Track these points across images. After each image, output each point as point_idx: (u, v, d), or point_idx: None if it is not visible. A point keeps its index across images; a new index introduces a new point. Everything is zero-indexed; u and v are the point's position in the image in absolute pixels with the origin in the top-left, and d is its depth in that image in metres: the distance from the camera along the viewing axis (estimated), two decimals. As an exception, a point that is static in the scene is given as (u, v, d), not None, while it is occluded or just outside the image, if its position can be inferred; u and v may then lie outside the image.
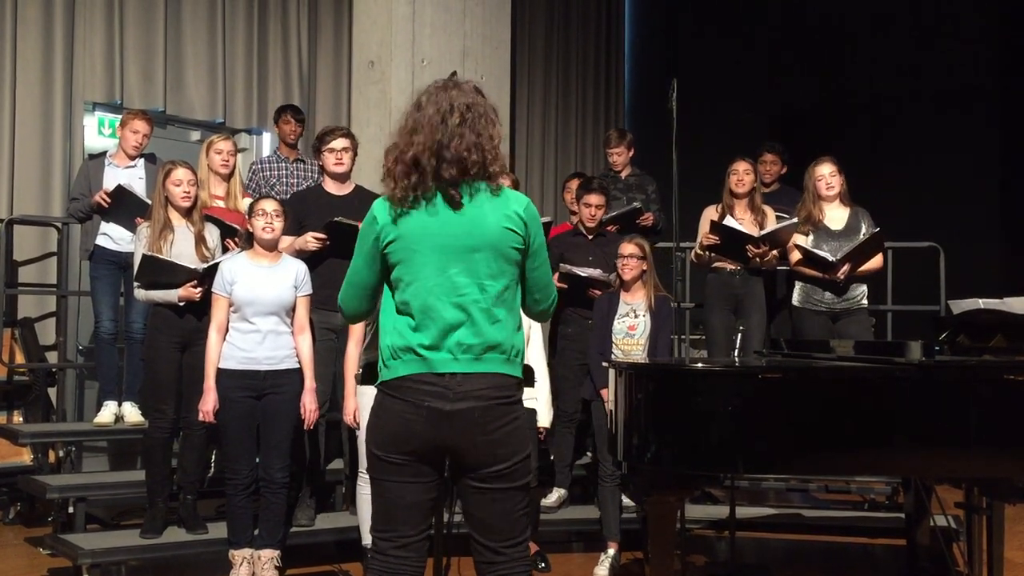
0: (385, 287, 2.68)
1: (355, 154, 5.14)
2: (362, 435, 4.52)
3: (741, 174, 5.55)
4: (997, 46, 9.06)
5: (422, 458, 2.57)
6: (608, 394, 3.67)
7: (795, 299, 5.47)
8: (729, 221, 5.42)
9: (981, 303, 4.04)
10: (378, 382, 2.62)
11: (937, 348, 3.67)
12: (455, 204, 2.56)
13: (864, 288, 5.44)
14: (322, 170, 5.19)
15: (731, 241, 5.42)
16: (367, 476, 4.42)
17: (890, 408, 3.23)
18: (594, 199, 5.36)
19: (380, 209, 2.63)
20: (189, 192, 4.68)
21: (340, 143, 5.00)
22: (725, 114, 9.28)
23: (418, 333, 2.55)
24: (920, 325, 5.88)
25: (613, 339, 4.81)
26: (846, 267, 5.21)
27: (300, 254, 4.80)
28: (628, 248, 4.83)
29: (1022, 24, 8.77)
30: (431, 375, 2.53)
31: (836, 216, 5.43)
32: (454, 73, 4.93)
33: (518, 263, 2.63)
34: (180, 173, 4.67)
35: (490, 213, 2.58)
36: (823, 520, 5.52)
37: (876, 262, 5.39)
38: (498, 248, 2.58)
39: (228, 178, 5.34)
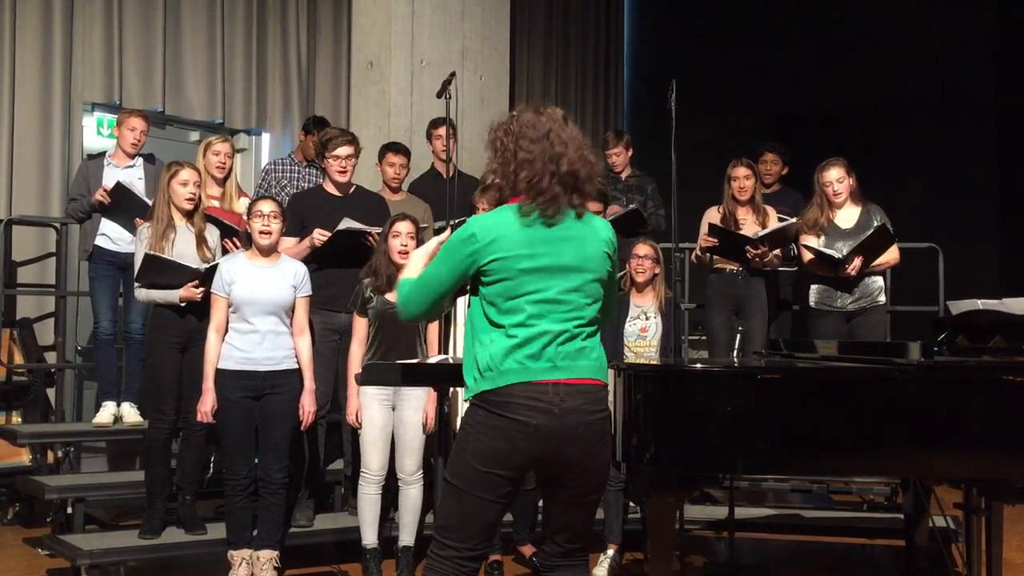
0: (475, 301, 2.74)
1: (357, 160, 5.16)
2: (364, 435, 4.55)
3: (742, 180, 5.52)
4: (996, 47, 9.07)
5: (522, 473, 2.67)
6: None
7: (811, 300, 5.44)
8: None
9: (980, 304, 4.04)
10: (474, 395, 2.67)
11: (936, 349, 3.68)
12: (577, 216, 2.71)
13: (881, 283, 5.41)
14: (322, 172, 5.20)
15: (730, 243, 5.42)
16: (369, 477, 4.49)
17: (889, 409, 3.23)
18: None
19: (480, 227, 2.68)
20: (194, 194, 4.68)
21: (345, 150, 5.01)
22: (725, 115, 9.28)
23: (521, 345, 2.63)
24: (919, 326, 5.88)
25: (625, 341, 4.82)
26: (856, 262, 5.19)
27: (305, 256, 4.83)
28: (644, 249, 4.83)
29: (1021, 26, 8.78)
30: (533, 387, 2.60)
31: (847, 215, 5.40)
32: (453, 74, 4.95)
33: (605, 284, 2.77)
34: (186, 174, 4.67)
35: (592, 237, 2.73)
36: (822, 521, 5.52)
37: (891, 256, 5.36)
38: (597, 272, 2.72)
39: (224, 180, 5.34)
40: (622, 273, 5.01)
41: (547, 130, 2.69)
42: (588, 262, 2.70)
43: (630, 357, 4.72)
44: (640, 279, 4.81)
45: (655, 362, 4.54)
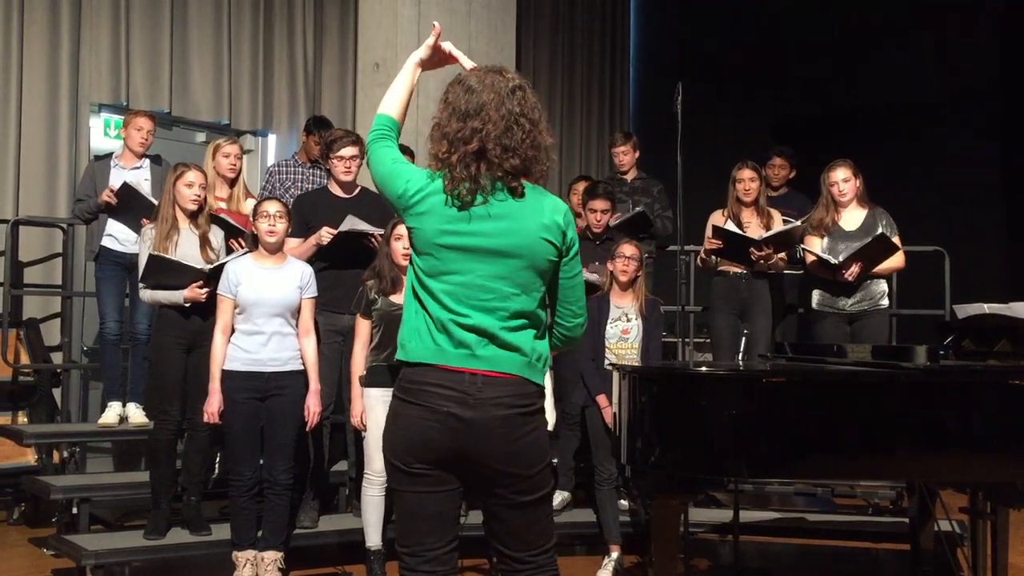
0: (410, 271, 2.54)
1: (362, 160, 5.16)
2: (369, 437, 4.55)
3: (747, 183, 5.53)
4: (1001, 50, 9.05)
5: (443, 467, 2.44)
6: (612, 397, 3.66)
7: (813, 302, 5.46)
8: (729, 225, 5.43)
9: (986, 307, 4.03)
10: (397, 359, 2.50)
11: (942, 352, 3.67)
12: (517, 195, 2.44)
13: (884, 287, 5.40)
14: (327, 173, 5.22)
15: (734, 245, 5.42)
16: (373, 478, 4.49)
17: (895, 412, 3.22)
18: (599, 204, 5.41)
19: (415, 187, 2.47)
20: (199, 195, 4.70)
21: (349, 151, 5.03)
22: (730, 118, 9.27)
23: (438, 330, 2.44)
24: (925, 329, 5.88)
25: (606, 344, 4.80)
26: (854, 268, 5.20)
27: (310, 257, 4.83)
28: (629, 249, 4.82)
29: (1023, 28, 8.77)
30: (447, 373, 2.40)
31: (852, 217, 5.41)
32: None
33: (546, 275, 2.51)
34: (192, 176, 4.69)
35: (530, 219, 2.45)
36: (827, 524, 5.50)
37: (897, 262, 5.36)
38: (531, 258, 2.45)
39: (233, 182, 5.35)
40: (601, 280, 4.97)
41: (479, 104, 2.44)
42: (520, 248, 2.43)
43: (612, 359, 4.71)
44: (624, 279, 4.80)
45: (636, 364, 4.53)
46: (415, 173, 2.52)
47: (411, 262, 2.54)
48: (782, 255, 5.54)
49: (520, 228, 2.44)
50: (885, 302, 5.42)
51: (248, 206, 5.31)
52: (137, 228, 5.19)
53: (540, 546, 2.50)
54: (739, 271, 5.57)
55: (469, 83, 2.51)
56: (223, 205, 5.27)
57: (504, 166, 2.43)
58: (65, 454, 5.66)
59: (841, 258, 5.20)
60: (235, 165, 5.32)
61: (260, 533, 4.47)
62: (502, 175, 2.44)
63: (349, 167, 5.04)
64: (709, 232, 5.55)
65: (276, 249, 4.48)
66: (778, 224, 5.57)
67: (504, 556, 2.51)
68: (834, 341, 5.18)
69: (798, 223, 5.48)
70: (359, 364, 4.55)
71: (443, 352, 2.43)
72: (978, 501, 3.70)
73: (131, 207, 5.24)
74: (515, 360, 2.45)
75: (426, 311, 2.47)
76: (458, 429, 2.39)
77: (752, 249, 5.36)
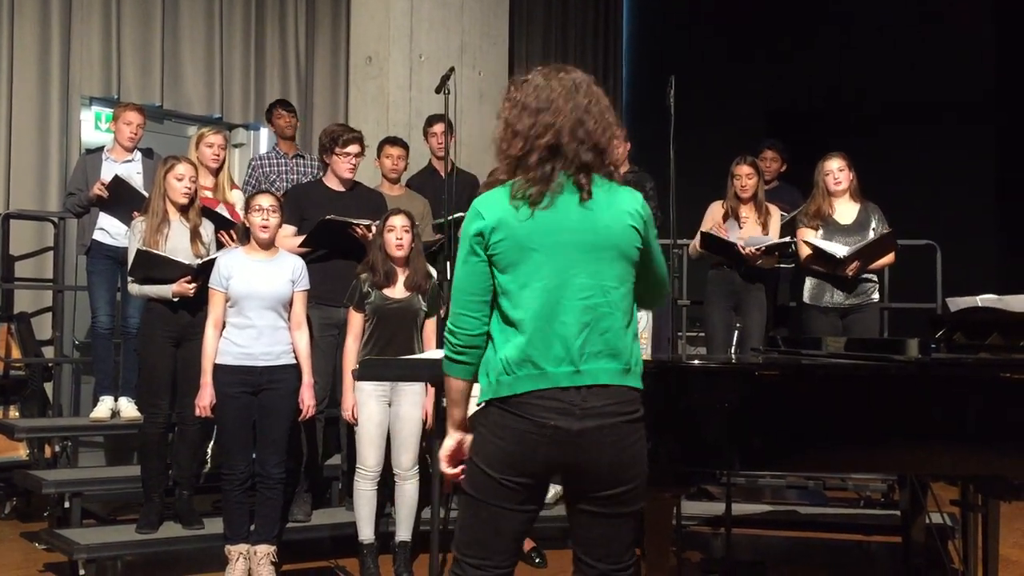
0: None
1: (363, 157, 5.18)
2: (361, 431, 4.55)
3: (744, 179, 5.55)
4: (995, 44, 9.07)
5: (539, 481, 2.39)
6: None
7: (805, 295, 5.46)
8: (713, 229, 5.46)
9: (979, 301, 4.05)
10: (488, 398, 2.39)
11: (933, 346, 3.68)
12: (585, 193, 2.36)
13: (876, 280, 5.44)
14: (324, 166, 5.19)
15: (722, 248, 5.45)
16: (365, 472, 4.49)
17: (886, 405, 3.22)
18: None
19: (484, 205, 2.40)
20: (190, 188, 4.68)
21: (355, 148, 5.04)
22: (723, 111, 9.27)
23: (535, 342, 2.35)
24: (917, 323, 5.89)
25: None
26: (855, 264, 5.22)
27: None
28: None
29: (1019, 23, 8.78)
30: (553, 391, 2.34)
31: (846, 211, 5.43)
32: (451, 69, 4.94)
33: (636, 264, 2.44)
34: (182, 168, 4.67)
35: (614, 209, 2.39)
36: (819, 517, 5.52)
37: (888, 258, 5.40)
38: (621, 248, 2.39)
39: (217, 171, 5.34)
40: None
41: (548, 99, 2.38)
42: (609, 236, 2.37)
43: None
44: None
45: (647, 356, 4.53)
46: (473, 203, 2.43)
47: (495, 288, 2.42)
48: (776, 253, 5.56)
49: (604, 218, 2.38)
50: (876, 295, 5.45)
51: (233, 196, 5.31)
52: (129, 222, 5.18)
53: (624, 560, 2.48)
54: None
55: (536, 82, 2.44)
56: (209, 194, 5.25)
57: (577, 161, 2.37)
58: (57, 448, 5.64)
59: (848, 252, 5.20)
60: (219, 155, 5.30)
61: (253, 527, 4.47)
62: (574, 172, 2.37)
63: (354, 164, 5.05)
64: (706, 225, 5.57)
65: (268, 246, 4.47)
66: (775, 219, 5.58)
67: (587, 567, 2.47)
68: (826, 335, 5.19)
69: (786, 239, 5.49)
70: (351, 358, 4.55)
71: (546, 375, 2.34)
72: (969, 494, 3.71)
73: (123, 200, 5.22)
74: (617, 369, 2.39)
75: (518, 329, 2.37)
76: (566, 442, 2.33)
77: (739, 247, 5.37)
